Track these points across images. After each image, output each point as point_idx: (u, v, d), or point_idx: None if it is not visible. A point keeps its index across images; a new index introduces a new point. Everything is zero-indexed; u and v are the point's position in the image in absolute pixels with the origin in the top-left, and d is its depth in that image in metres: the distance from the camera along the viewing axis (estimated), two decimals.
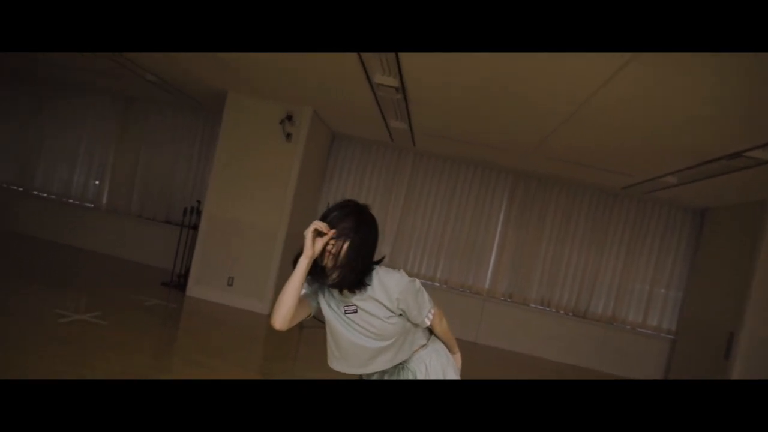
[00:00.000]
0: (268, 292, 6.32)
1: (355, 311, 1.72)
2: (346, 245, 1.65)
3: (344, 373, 1.82)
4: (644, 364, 7.19)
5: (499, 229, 7.56)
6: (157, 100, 7.85)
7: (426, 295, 1.80)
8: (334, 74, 4.72)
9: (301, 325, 6.07)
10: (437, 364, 1.88)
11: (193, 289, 6.40)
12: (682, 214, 7.26)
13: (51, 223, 8.11)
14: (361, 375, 1.89)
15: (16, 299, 4.78)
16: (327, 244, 1.65)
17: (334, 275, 1.69)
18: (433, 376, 1.85)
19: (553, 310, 7.46)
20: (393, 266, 1.92)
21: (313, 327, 6.15)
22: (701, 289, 6.73)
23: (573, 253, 7.44)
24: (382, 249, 7.66)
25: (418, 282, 1.76)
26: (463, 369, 2.00)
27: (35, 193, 8.33)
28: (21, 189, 8.32)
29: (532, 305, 7.48)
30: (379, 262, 1.77)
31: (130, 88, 7.44)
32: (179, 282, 6.79)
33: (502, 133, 5.47)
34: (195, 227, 6.70)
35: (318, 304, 1.82)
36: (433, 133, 6.16)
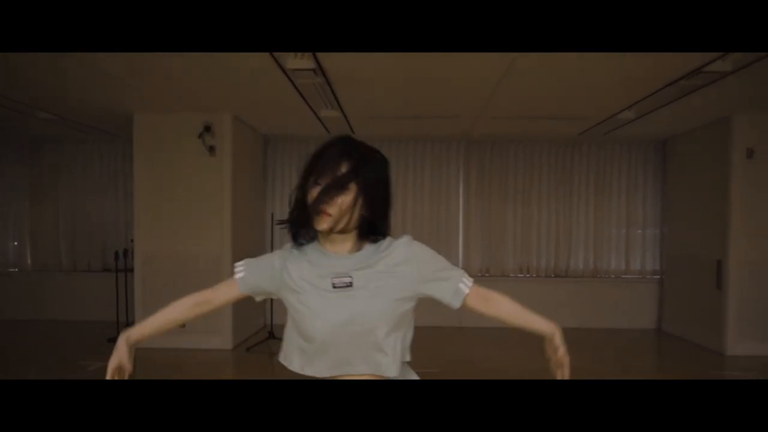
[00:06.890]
0: (226, 323, 5.69)
1: (350, 284, 1.28)
2: (349, 198, 1.24)
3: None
4: (636, 311, 6.89)
5: (461, 203, 7.10)
6: (65, 138, 7.05)
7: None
8: (243, 71, 4.17)
9: (268, 353, 5.47)
10: None
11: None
12: (644, 148, 6.95)
13: None
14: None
15: None
16: (320, 201, 1.23)
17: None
18: None
19: (533, 275, 7.07)
20: None
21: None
22: (678, 221, 6.44)
23: (542, 211, 7.04)
24: None
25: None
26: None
27: None
28: None
29: (512, 275, 7.08)
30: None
31: (25, 130, 6.63)
32: None
33: (445, 98, 4.97)
34: (133, 269, 5.99)
35: (263, 287, 1.41)
36: (370, 113, 5.61)
